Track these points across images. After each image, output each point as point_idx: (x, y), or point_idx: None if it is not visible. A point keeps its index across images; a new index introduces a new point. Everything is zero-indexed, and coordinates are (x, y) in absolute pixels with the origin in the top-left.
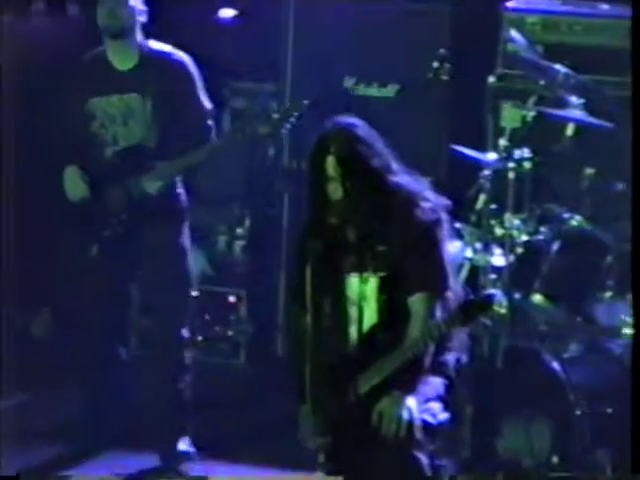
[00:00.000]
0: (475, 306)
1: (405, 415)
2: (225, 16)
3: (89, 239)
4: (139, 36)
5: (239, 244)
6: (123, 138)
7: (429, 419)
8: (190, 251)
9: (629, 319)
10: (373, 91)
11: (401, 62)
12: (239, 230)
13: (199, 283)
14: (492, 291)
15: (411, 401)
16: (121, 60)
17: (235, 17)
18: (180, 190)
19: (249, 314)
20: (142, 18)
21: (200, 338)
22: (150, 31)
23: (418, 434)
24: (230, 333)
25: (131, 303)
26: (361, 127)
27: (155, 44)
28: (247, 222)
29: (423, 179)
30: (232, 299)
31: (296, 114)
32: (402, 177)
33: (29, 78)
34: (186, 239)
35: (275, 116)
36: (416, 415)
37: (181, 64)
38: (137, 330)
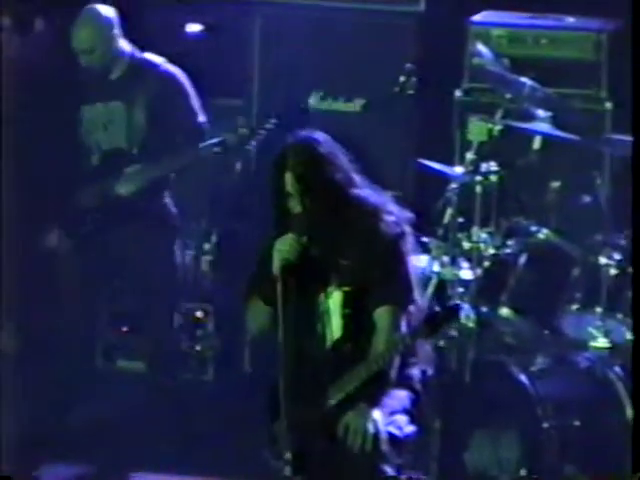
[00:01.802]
0: (440, 318)
1: (371, 428)
2: (193, 31)
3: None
4: (124, 46)
5: (206, 259)
6: (104, 143)
7: (395, 432)
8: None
9: (596, 332)
10: (339, 105)
11: (367, 76)
12: (206, 245)
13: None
14: (457, 302)
15: (377, 414)
16: (107, 70)
17: (202, 32)
18: (167, 200)
19: (216, 329)
20: (115, 30)
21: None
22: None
23: (384, 447)
24: (198, 348)
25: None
26: (322, 142)
27: (148, 55)
28: (214, 237)
29: (386, 193)
30: (199, 314)
31: (262, 131)
32: (365, 191)
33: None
34: (173, 249)
35: (243, 131)
36: (382, 428)
37: (169, 76)
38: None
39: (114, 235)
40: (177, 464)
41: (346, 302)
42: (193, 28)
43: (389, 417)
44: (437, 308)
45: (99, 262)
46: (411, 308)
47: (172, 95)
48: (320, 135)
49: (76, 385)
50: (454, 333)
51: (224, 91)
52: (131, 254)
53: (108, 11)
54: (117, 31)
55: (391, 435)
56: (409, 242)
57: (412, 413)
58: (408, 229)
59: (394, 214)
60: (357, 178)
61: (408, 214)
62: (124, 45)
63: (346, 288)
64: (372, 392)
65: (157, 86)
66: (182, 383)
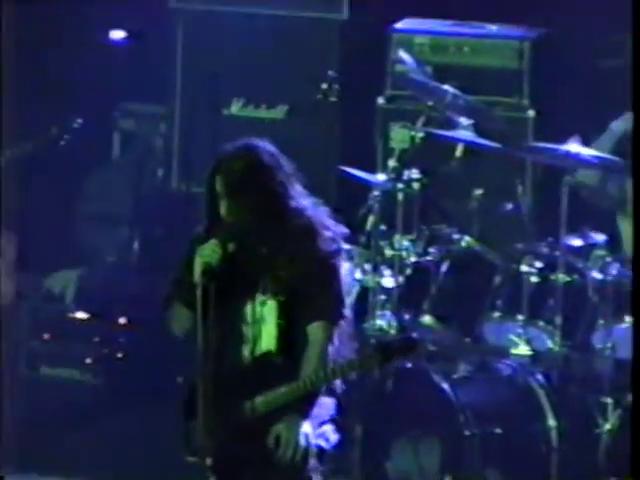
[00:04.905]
0: (395, 349)
1: (302, 441)
2: (116, 37)
3: None
4: None
5: (129, 265)
6: None
7: (323, 444)
8: None
9: (518, 339)
10: (262, 112)
11: (290, 83)
12: (129, 251)
13: (88, 305)
14: (415, 335)
15: (307, 426)
16: None
17: (125, 39)
18: None
19: (139, 336)
20: None
21: (89, 360)
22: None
23: (312, 460)
24: (119, 355)
25: None
26: (258, 151)
27: None
28: (136, 243)
29: (323, 204)
30: (122, 321)
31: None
32: (302, 202)
33: None
34: None
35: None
36: (312, 441)
37: None
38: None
39: None
40: (96, 468)
41: (281, 312)
42: (116, 35)
43: (318, 428)
44: (391, 338)
45: None
46: (342, 322)
47: None
48: (263, 143)
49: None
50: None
51: (147, 97)
52: None
53: None
54: None
55: (319, 448)
56: (343, 257)
57: (337, 421)
58: (343, 245)
59: (331, 229)
60: (297, 188)
61: (343, 229)
62: None
63: (281, 298)
64: (303, 404)
65: None
66: (104, 388)
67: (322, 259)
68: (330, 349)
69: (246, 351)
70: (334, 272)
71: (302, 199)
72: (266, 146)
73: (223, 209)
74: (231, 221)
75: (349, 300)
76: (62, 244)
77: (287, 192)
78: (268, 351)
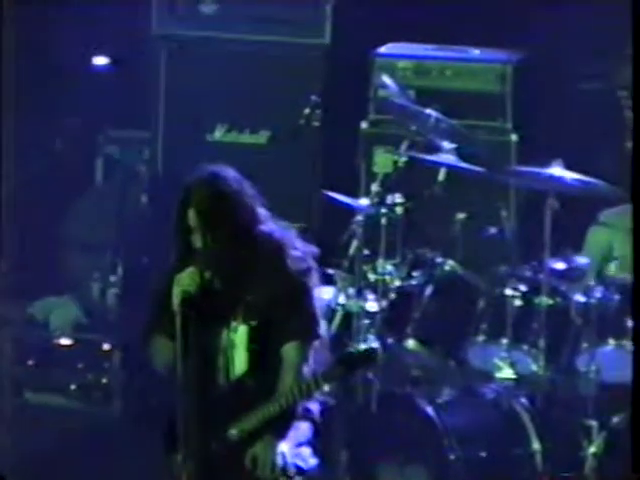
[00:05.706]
0: (355, 360)
1: (279, 460)
2: (99, 64)
3: None
4: None
5: (112, 291)
6: None
7: (301, 464)
8: None
9: (502, 363)
10: (245, 138)
11: (273, 109)
12: (112, 277)
13: (72, 331)
14: (373, 345)
15: (284, 446)
16: None
17: (108, 65)
18: None
19: (123, 362)
20: None
21: (73, 386)
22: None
23: (291, 478)
24: (104, 381)
25: None
26: (225, 178)
27: None
28: (120, 269)
29: (291, 226)
30: (106, 347)
31: None
32: (269, 226)
33: None
34: None
35: None
36: (289, 460)
37: None
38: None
39: None
40: None
41: (252, 337)
42: (99, 61)
43: (295, 449)
44: (352, 349)
45: None
46: (316, 343)
47: None
48: (226, 170)
49: None
50: (370, 375)
51: (130, 123)
52: None
53: None
54: None
55: (298, 467)
56: (315, 277)
57: (314, 445)
58: (313, 264)
59: (299, 249)
60: (262, 213)
61: (313, 248)
62: None
63: (252, 323)
64: (279, 425)
65: None
66: (89, 414)
67: (292, 278)
68: (305, 370)
69: (221, 378)
70: (306, 291)
71: (269, 222)
72: (230, 173)
73: (197, 240)
74: (204, 250)
75: (326, 322)
76: (46, 270)
77: (255, 217)
78: (242, 376)
